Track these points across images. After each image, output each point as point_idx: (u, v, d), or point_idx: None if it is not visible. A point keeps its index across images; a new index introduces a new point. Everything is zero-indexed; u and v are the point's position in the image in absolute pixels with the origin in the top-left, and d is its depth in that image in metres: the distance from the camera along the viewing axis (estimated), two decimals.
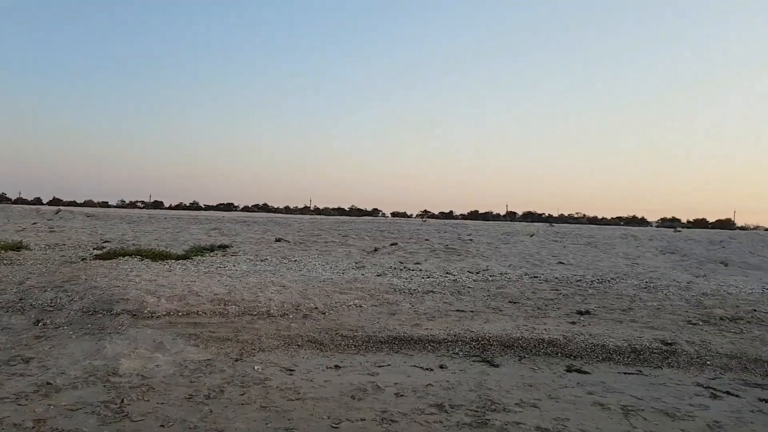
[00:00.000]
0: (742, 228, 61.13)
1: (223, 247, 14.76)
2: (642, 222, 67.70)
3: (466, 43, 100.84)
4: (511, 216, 74.21)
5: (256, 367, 4.92)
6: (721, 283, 10.28)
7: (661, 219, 67.41)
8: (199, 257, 12.89)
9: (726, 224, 63.33)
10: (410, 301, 8.35)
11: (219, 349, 5.47)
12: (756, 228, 62.08)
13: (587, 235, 20.14)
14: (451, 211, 76.00)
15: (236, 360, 5.15)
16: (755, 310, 7.78)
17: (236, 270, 10.58)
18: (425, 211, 75.33)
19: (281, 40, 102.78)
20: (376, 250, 15.03)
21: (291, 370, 4.90)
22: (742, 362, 5.58)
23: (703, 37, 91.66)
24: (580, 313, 7.73)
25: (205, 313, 6.92)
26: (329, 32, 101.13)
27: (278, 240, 16.45)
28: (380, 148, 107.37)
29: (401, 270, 11.74)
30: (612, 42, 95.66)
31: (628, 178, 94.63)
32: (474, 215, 73.65)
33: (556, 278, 10.97)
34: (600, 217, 70.93)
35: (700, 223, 63.84)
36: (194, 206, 76.87)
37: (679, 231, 21.50)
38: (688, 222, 64.01)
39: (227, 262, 12.14)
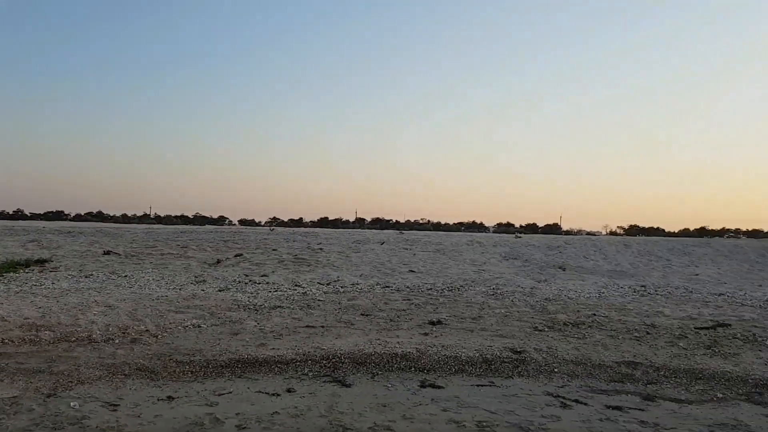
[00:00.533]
0: (567, 232, 67.88)
1: (41, 261, 13.14)
2: (481, 227, 72.28)
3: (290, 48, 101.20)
4: (360, 222, 75.45)
5: (72, 404, 4.22)
6: (562, 287, 10.99)
7: (498, 224, 72.44)
8: (12, 274, 11.32)
9: (554, 228, 69.53)
10: (256, 318, 7.88)
11: (28, 384, 4.67)
12: (579, 232, 69.48)
13: (436, 242, 20.81)
14: (300, 218, 75.45)
15: (48, 396, 4.41)
16: (595, 315, 8.32)
17: (55, 288, 9.38)
18: (274, 218, 74.08)
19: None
20: (218, 262, 14.24)
21: (115, 405, 4.27)
22: (587, 368, 5.85)
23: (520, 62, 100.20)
24: (432, 323, 7.77)
25: (12, 342, 5.97)
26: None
27: (107, 253, 15.00)
28: (226, 151, 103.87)
29: (246, 284, 11.17)
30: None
31: (468, 184, 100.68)
32: (324, 222, 73.78)
33: (408, 287, 11.06)
34: (443, 222, 74.58)
35: (532, 228, 69.45)
36: (18, 215, 68.54)
37: (520, 237, 22.96)
38: (521, 227, 69.46)
39: (45, 279, 10.78)
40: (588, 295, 9.98)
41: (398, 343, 6.61)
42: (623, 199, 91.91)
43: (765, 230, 66.72)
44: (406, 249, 18.26)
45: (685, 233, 67.39)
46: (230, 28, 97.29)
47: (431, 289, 10.91)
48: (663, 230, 69.98)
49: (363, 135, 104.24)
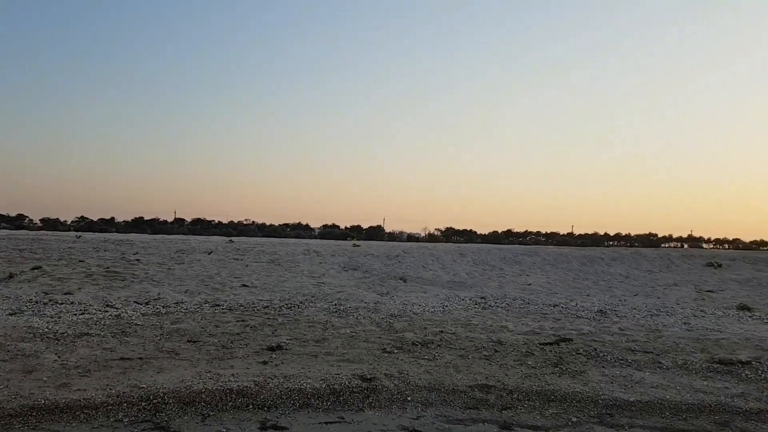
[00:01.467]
0: (390, 234, 71.30)
1: None
2: (307, 228, 72.58)
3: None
4: (179, 223, 71.56)
5: None
6: (405, 301, 10.92)
7: (323, 225, 73.37)
8: None
9: (377, 230, 72.29)
10: (56, 349, 6.72)
11: None
12: (401, 233, 73.47)
13: (270, 252, 20.08)
14: (112, 218, 69.54)
15: None
16: (442, 332, 8.26)
17: None
18: (81, 217, 67.59)
19: None
20: (10, 276, 12.33)
21: None
22: (442, 394, 5.65)
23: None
24: (272, 348, 7.17)
25: None
26: None
27: None
28: (31, 143, 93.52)
29: (45, 304, 9.69)
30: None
31: (292, 185, 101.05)
32: (139, 222, 68.75)
33: (242, 305, 10.31)
34: (268, 224, 73.58)
35: (357, 229, 71.50)
36: None
37: (358, 245, 22.98)
38: (346, 228, 71.23)
39: None
40: (433, 310, 9.98)
41: (233, 375, 5.94)
42: (440, 201, 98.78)
43: (561, 233, 75.92)
44: (237, 259, 17.34)
45: (493, 235, 74.11)
46: None
47: (268, 306, 10.27)
48: (475, 232, 76.25)
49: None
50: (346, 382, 5.87)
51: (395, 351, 7.30)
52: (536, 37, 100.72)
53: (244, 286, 12.98)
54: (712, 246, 77.81)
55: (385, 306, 10.19)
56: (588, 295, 12.25)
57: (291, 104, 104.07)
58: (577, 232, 78.60)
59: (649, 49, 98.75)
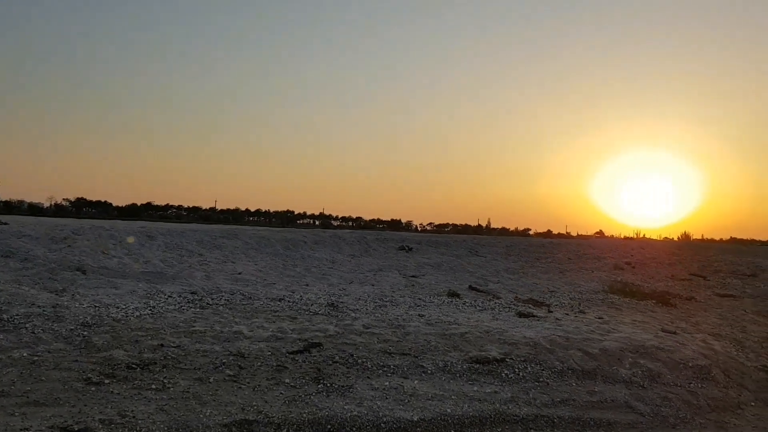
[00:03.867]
0: (7, 203, 63.66)
1: None
2: None
3: None
4: None
5: None
6: (95, 302, 8.62)
7: None
8: None
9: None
10: None
11: None
12: (20, 202, 66.12)
13: None
14: None
15: None
16: (162, 345, 6.50)
17: None
18: None
19: None
20: None
21: None
22: None
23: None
24: None
25: None
26: None
27: None
28: None
29: None
30: None
31: None
32: None
33: None
34: None
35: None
36: None
37: (5, 224, 18.63)
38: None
39: None
40: (138, 313, 8.02)
41: None
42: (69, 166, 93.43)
43: (204, 207, 78.39)
44: None
45: (133, 208, 72.55)
46: None
47: None
48: (110, 204, 76.13)
49: None
50: None
51: (105, 381, 5.39)
52: None
53: None
54: (339, 223, 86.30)
55: (70, 311, 7.83)
56: (307, 285, 11.47)
57: None
58: (219, 207, 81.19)
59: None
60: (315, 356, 6.57)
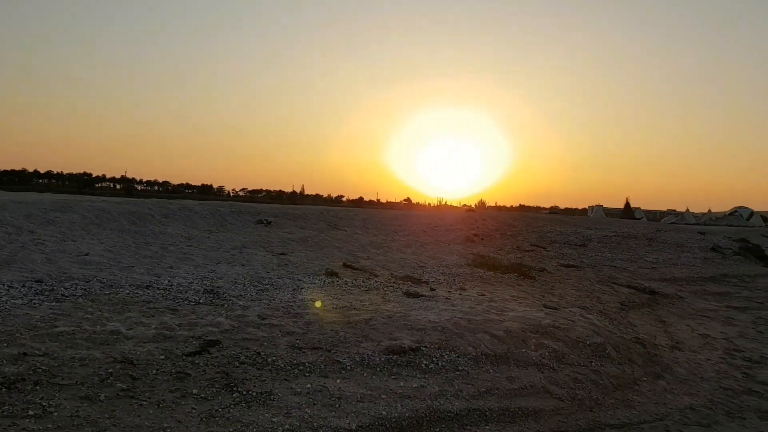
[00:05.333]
0: None
1: None
2: None
3: None
4: None
5: None
6: None
7: None
8: None
9: None
10: None
11: None
12: None
13: None
14: None
15: None
16: (25, 354, 5.25)
17: None
18: None
19: None
20: None
21: None
22: None
23: None
24: None
25: None
26: None
27: None
28: None
29: None
30: None
31: None
32: None
33: None
34: None
35: None
36: None
37: None
38: None
39: None
40: None
41: None
42: None
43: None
44: None
45: None
46: None
47: None
48: None
49: None
50: None
51: None
52: None
53: None
54: (144, 188, 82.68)
55: None
56: (171, 267, 10.22)
57: None
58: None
59: None
60: (217, 357, 5.70)
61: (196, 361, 5.54)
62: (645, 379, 7.13)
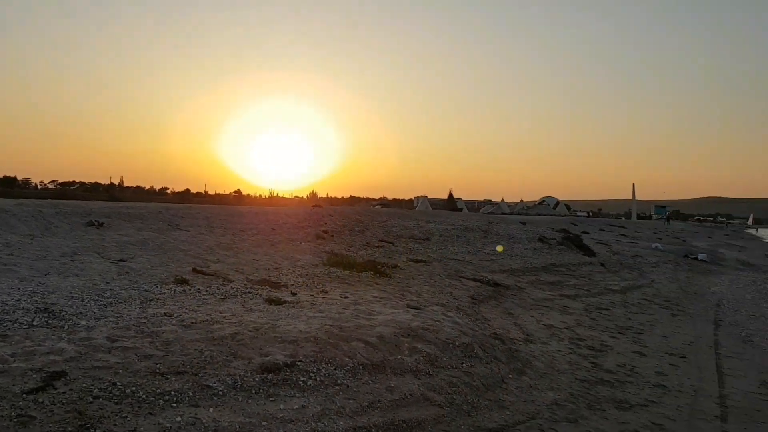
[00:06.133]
0: None
1: None
2: None
3: None
4: None
5: None
6: None
7: None
8: None
9: None
10: None
11: None
12: None
13: None
14: None
15: None
16: None
17: None
18: None
19: None
20: None
21: None
22: None
23: None
24: None
25: None
26: None
27: None
28: None
29: None
30: None
31: None
32: None
33: None
34: None
35: None
36: None
37: None
38: None
39: None
40: None
41: None
42: None
43: None
44: None
45: None
46: None
47: None
48: None
49: None
50: None
51: None
52: None
53: None
54: None
55: None
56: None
57: None
58: None
59: None
60: (65, 393, 4.88)
61: (40, 399, 4.70)
62: (511, 376, 7.33)
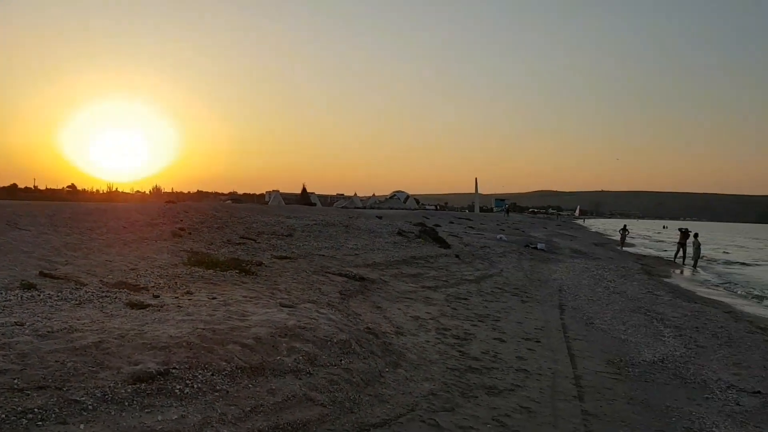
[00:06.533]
0: None
1: None
2: None
3: None
4: None
5: None
6: None
7: None
8: None
9: None
10: None
11: None
12: None
13: None
14: None
15: None
16: None
17: None
18: None
19: None
20: None
21: None
22: None
23: None
24: None
25: None
26: None
27: None
28: None
29: None
30: None
31: None
32: None
33: None
34: None
35: None
36: None
37: None
38: None
39: None
40: None
41: None
42: None
43: None
44: None
45: None
46: None
47: None
48: None
49: None
50: None
51: None
52: None
53: None
54: None
55: None
56: None
57: None
58: None
59: None
60: None
61: None
62: (387, 369, 7.46)
